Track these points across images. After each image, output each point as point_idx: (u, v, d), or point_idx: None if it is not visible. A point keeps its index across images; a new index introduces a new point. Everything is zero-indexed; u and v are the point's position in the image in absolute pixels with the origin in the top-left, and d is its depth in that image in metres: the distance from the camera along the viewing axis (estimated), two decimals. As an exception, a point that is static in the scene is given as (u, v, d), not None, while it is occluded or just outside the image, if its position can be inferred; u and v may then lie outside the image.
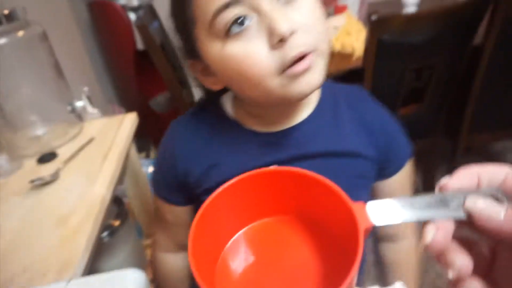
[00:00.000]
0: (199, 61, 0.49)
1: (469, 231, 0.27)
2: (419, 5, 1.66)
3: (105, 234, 0.78)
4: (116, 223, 0.84)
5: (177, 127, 0.59)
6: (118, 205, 0.87)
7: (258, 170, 0.34)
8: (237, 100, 0.55)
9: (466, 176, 0.28)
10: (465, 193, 0.27)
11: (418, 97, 1.41)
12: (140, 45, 1.93)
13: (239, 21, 0.41)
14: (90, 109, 0.94)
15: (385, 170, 0.57)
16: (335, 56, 1.40)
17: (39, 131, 0.88)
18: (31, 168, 0.78)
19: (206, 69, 0.49)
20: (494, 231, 0.25)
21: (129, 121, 0.90)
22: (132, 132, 0.88)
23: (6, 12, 0.74)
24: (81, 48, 1.82)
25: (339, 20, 1.50)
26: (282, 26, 0.39)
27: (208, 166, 0.54)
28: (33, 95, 0.86)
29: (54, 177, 0.72)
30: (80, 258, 0.53)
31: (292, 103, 0.50)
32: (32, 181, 0.70)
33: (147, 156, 1.75)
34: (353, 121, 0.54)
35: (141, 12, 1.82)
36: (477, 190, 0.28)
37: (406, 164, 0.57)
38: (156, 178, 0.62)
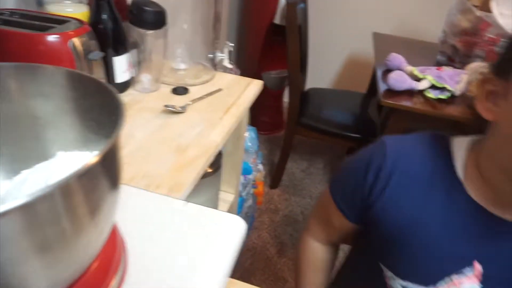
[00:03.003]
0: (500, 82, 0.41)
1: None
2: None
3: (200, 174, 0.87)
4: (210, 169, 0.92)
5: (397, 148, 0.50)
6: (217, 155, 0.95)
7: None
8: (473, 158, 0.45)
9: None
10: None
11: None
12: (276, 19, 2.01)
13: None
14: (227, 64, 1.02)
15: None
16: (469, 101, 1.31)
17: (181, 65, 0.99)
18: (165, 95, 0.89)
19: (496, 95, 0.42)
20: None
21: (255, 86, 0.97)
22: (254, 97, 0.94)
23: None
24: (226, 4, 1.95)
25: (484, 67, 1.38)
26: None
27: (404, 220, 0.47)
28: (188, 33, 0.97)
29: (183, 110, 0.81)
30: (189, 185, 0.61)
31: None
32: (166, 106, 0.80)
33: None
34: None
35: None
36: None
37: None
38: (340, 181, 0.58)
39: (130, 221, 0.44)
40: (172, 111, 0.80)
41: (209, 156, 0.69)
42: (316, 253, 0.68)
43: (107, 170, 0.29)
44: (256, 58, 2.10)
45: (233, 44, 1.01)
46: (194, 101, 0.85)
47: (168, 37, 0.86)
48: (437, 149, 0.48)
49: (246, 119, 1.02)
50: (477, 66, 1.38)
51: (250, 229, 1.71)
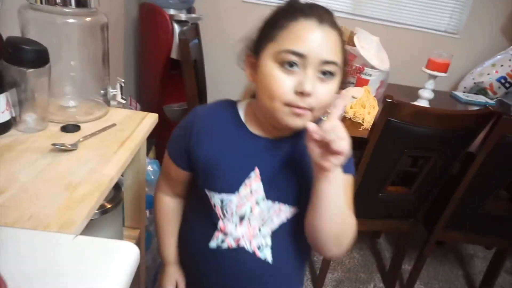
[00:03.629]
0: (254, 57, 0.66)
1: None
2: (431, 102, 1.81)
3: (97, 211, 0.84)
4: (109, 205, 0.90)
5: (201, 111, 0.75)
6: (115, 190, 0.94)
7: None
8: (250, 109, 0.72)
9: None
10: None
11: (407, 181, 1.52)
12: (173, 54, 2.07)
13: (292, 65, 0.60)
14: (119, 99, 1.03)
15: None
16: (346, 121, 1.52)
17: (70, 103, 0.96)
18: (54, 133, 0.85)
19: (253, 65, 0.66)
20: None
21: (150, 119, 0.99)
22: (150, 130, 0.96)
23: (86, -1, 0.85)
24: (121, 40, 1.95)
25: (358, 92, 1.63)
26: (308, 87, 0.59)
27: (211, 153, 0.70)
28: (76, 70, 0.96)
29: (74, 147, 0.79)
30: (81, 221, 0.60)
31: (281, 126, 0.65)
32: (54, 144, 0.77)
33: (147, 155, 1.82)
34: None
35: (185, 26, 1.96)
36: None
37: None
38: (172, 139, 0.78)
39: (13, 263, 0.42)
40: (61, 149, 0.78)
41: (103, 191, 0.69)
42: (168, 205, 0.86)
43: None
44: (156, 92, 2.11)
45: (123, 80, 1.02)
46: (85, 137, 0.84)
47: (53, 74, 0.84)
48: (228, 107, 0.74)
49: (144, 152, 1.02)
50: (349, 91, 1.62)
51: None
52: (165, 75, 2.07)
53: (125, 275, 0.45)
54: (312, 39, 0.59)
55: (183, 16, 2.00)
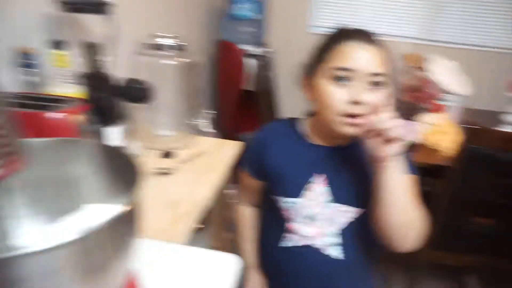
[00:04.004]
0: (310, 78, 0.74)
1: None
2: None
3: (190, 230, 0.93)
4: (200, 226, 0.99)
5: (268, 127, 0.87)
6: (205, 213, 1.03)
7: None
8: (309, 123, 0.81)
9: None
10: None
11: (492, 212, 1.40)
12: (247, 86, 2.21)
13: (342, 79, 0.68)
14: (208, 129, 1.14)
15: None
16: (424, 149, 1.48)
17: (166, 132, 1.09)
18: (155, 159, 0.98)
19: (310, 85, 0.75)
20: None
21: (235, 146, 1.08)
22: (235, 156, 1.05)
23: (183, 43, 0.99)
24: (203, 75, 2.15)
25: (433, 118, 1.58)
26: (358, 96, 0.66)
27: (277, 162, 0.79)
28: (172, 104, 1.09)
29: (172, 171, 0.90)
30: (185, 235, 0.68)
31: (338, 135, 0.72)
32: (157, 168, 0.89)
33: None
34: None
35: (259, 60, 2.09)
36: None
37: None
38: (245, 156, 0.89)
39: (139, 265, 0.51)
40: (162, 173, 0.89)
41: (200, 210, 0.77)
42: (245, 213, 0.93)
43: (128, 222, 0.37)
44: (232, 121, 2.25)
45: (213, 112, 1.13)
46: (181, 163, 0.95)
47: (155, 108, 0.98)
48: (289, 123, 0.83)
49: (228, 176, 1.11)
50: (427, 117, 1.58)
51: None
52: (240, 105, 2.21)
53: (231, 282, 0.51)
54: (356, 56, 0.68)
55: (255, 50, 2.15)
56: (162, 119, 1.10)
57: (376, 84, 0.68)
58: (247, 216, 0.93)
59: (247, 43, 2.17)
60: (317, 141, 0.78)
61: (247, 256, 0.91)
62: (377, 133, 0.62)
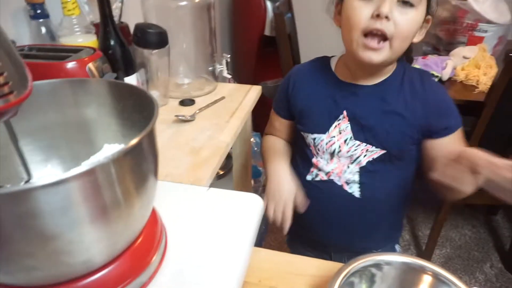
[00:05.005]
0: (340, 5, 0.70)
1: None
2: None
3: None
4: (222, 171, 0.99)
5: (297, 66, 0.85)
6: (226, 159, 1.02)
7: None
8: (340, 60, 0.78)
9: None
10: None
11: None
12: (266, 31, 2.11)
13: None
14: (226, 74, 1.10)
15: (434, 133, 0.73)
16: (457, 85, 1.39)
17: (185, 80, 1.07)
18: (174, 107, 0.96)
19: (339, 11, 0.71)
20: None
21: (255, 91, 1.05)
22: (255, 102, 1.02)
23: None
24: (217, 19, 2.06)
25: (470, 51, 1.46)
26: (385, 9, 0.61)
27: (305, 99, 0.79)
28: (188, 51, 1.05)
29: (192, 118, 0.88)
30: (207, 180, 0.67)
31: (363, 65, 0.69)
32: (176, 116, 0.87)
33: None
34: (413, 95, 0.72)
35: (278, 2, 1.97)
36: None
37: (455, 132, 0.73)
38: (276, 96, 0.86)
39: (163, 207, 0.50)
40: (183, 120, 0.87)
41: (221, 155, 0.76)
42: (274, 139, 0.90)
43: (148, 151, 0.36)
44: (251, 69, 2.19)
45: (229, 55, 1.09)
46: (201, 109, 0.93)
47: (170, 56, 0.94)
48: (321, 61, 0.82)
49: (250, 123, 1.09)
50: (460, 51, 1.46)
51: (265, 233, 1.76)
52: (259, 52, 2.13)
53: (253, 222, 0.50)
54: None
55: (274, -9, 2.02)
56: (178, 66, 1.07)
57: (409, 4, 0.62)
58: (274, 139, 0.89)
59: (266, -16, 2.04)
60: (346, 78, 0.76)
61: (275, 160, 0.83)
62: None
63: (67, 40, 0.85)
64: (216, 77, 1.10)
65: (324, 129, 0.76)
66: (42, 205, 0.27)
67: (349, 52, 0.70)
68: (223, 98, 1.00)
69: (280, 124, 0.87)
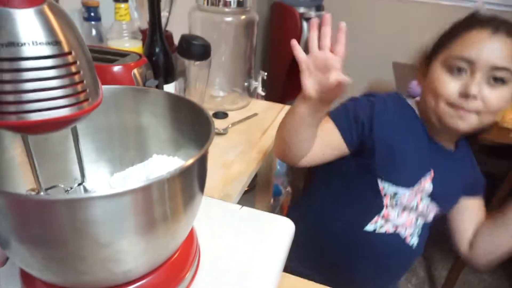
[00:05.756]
0: (426, 66, 0.70)
1: None
2: None
3: (238, 191, 0.93)
4: (247, 188, 0.99)
5: (383, 100, 0.74)
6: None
7: None
8: (420, 111, 0.74)
9: None
10: None
11: None
12: (300, 51, 2.12)
13: (460, 70, 0.63)
14: (260, 91, 1.11)
15: (476, 191, 0.79)
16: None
17: (220, 92, 1.08)
18: (208, 118, 0.97)
19: (425, 72, 0.71)
20: None
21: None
22: (287, 121, 1.02)
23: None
24: (258, 37, 2.09)
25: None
26: (472, 89, 0.61)
27: (394, 142, 0.71)
28: (226, 64, 1.07)
29: (225, 132, 0.89)
30: (237, 195, 0.68)
31: (446, 129, 0.68)
32: (210, 128, 0.88)
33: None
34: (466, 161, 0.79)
35: (314, 24, 1.99)
36: None
37: (480, 194, 0.79)
38: (347, 107, 0.71)
39: (196, 221, 0.51)
40: (216, 133, 0.88)
41: (252, 172, 0.77)
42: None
43: (199, 171, 0.36)
44: (281, 87, 2.20)
45: (265, 73, 1.10)
46: (233, 124, 0.94)
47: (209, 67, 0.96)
48: (401, 102, 0.76)
49: (278, 141, 1.09)
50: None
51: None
52: (291, 71, 2.14)
53: (284, 246, 0.50)
54: (483, 46, 0.61)
55: (312, 14, 2.04)
56: (215, 78, 1.08)
57: (500, 81, 0.61)
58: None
59: (304, 6, 2.07)
60: (430, 131, 0.74)
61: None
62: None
63: (114, 44, 0.88)
64: (250, 93, 1.11)
65: (410, 184, 0.71)
66: (99, 214, 0.27)
67: (433, 115, 0.68)
68: (255, 114, 1.01)
69: (332, 140, 0.69)
